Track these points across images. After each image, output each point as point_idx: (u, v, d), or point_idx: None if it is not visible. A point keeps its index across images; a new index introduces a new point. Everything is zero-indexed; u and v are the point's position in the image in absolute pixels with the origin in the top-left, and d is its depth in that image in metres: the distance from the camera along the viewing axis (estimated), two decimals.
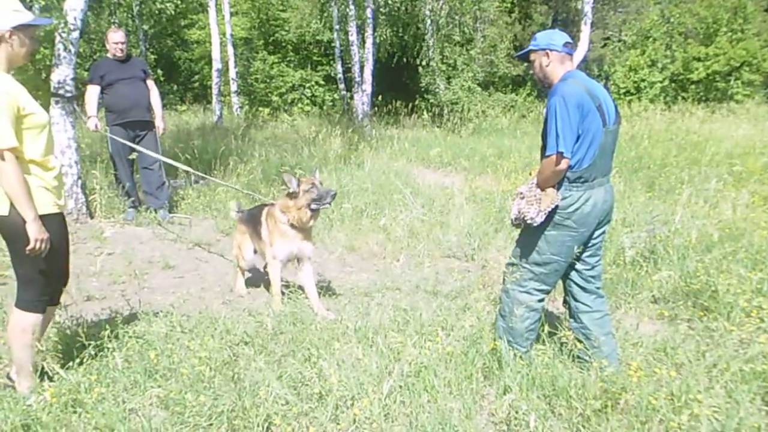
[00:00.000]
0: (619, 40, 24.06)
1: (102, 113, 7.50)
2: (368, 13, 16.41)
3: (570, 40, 3.59)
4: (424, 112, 17.53)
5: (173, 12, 12.59)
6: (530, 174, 3.63)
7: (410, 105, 17.74)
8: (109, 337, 3.68)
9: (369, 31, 16.52)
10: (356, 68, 16.94)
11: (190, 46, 22.42)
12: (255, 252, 5.30)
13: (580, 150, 3.37)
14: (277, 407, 3.15)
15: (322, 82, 21.62)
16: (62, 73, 6.89)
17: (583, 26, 15.75)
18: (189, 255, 6.41)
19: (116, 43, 7.17)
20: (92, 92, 7.13)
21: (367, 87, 16.68)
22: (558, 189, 3.44)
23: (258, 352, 3.82)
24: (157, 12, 12.95)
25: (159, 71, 19.84)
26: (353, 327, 4.04)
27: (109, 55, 7.33)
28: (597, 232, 3.62)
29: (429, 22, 18.75)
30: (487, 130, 16.16)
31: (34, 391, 3.27)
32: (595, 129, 3.36)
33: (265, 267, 5.27)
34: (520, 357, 3.58)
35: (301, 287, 4.99)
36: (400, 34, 20.08)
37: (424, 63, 18.99)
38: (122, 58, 7.24)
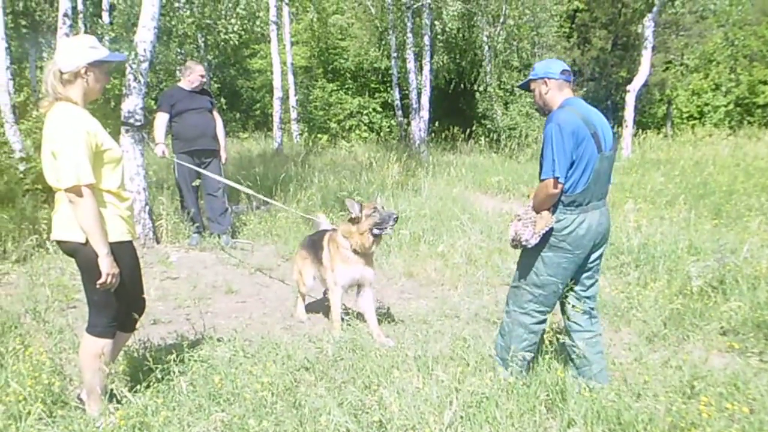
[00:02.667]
0: (682, 64, 23.60)
1: (168, 140, 7.75)
2: (426, 40, 16.57)
3: (567, 68, 3.74)
4: (482, 138, 17.50)
5: (237, 42, 12.97)
6: (528, 197, 3.71)
7: (467, 131, 17.75)
8: (174, 360, 3.74)
9: (426, 58, 16.66)
10: (413, 95, 17.07)
11: (252, 75, 23.04)
12: (315, 278, 5.36)
13: (574, 175, 3.51)
14: None
15: (380, 109, 21.85)
16: (132, 103, 7.15)
17: (644, 50, 15.59)
18: (251, 280, 6.52)
19: (202, 75, 7.50)
20: (161, 120, 7.39)
21: (425, 113, 16.78)
22: (553, 212, 3.57)
23: (319, 379, 3.84)
24: (222, 42, 13.38)
25: (222, 100, 20.41)
26: (413, 355, 4.03)
27: (182, 84, 7.57)
28: (594, 255, 3.72)
29: (486, 48, 18.80)
30: None
31: (103, 413, 3.32)
32: (590, 155, 3.50)
33: (325, 293, 5.31)
34: (517, 378, 3.59)
35: (359, 314, 5.01)
36: (458, 61, 20.18)
37: (481, 89, 19.02)
38: (197, 90, 7.50)
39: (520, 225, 3.59)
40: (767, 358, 4.33)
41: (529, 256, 3.70)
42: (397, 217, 4.84)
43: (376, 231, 4.73)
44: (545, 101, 3.74)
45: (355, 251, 4.81)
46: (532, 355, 3.78)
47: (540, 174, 3.57)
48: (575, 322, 3.81)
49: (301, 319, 5.44)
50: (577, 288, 3.78)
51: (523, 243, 3.56)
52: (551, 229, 3.53)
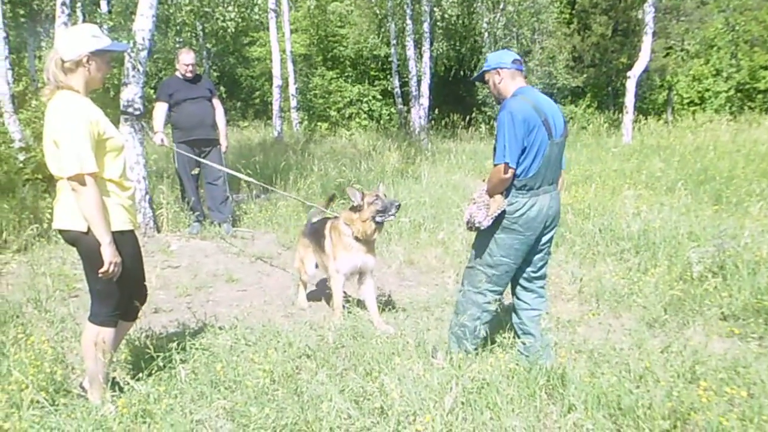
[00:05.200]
0: (682, 50, 23.45)
1: (168, 130, 7.74)
2: (425, 27, 16.50)
3: (518, 58, 3.90)
4: (482, 125, 17.45)
5: (234, 30, 12.91)
6: (483, 181, 3.92)
7: (467, 118, 17.69)
8: (176, 349, 3.75)
9: (426, 45, 16.59)
10: (413, 82, 17.01)
11: (251, 64, 22.94)
12: (317, 266, 5.36)
13: (526, 160, 3.64)
14: (339, 421, 3.18)
15: (380, 97, 21.80)
16: (131, 92, 7.12)
17: (644, 36, 15.52)
18: (252, 268, 6.53)
19: (187, 65, 7.41)
20: (160, 109, 7.37)
21: (424, 101, 16.73)
22: (506, 196, 3.72)
23: (320, 366, 3.86)
24: (221, 30, 13.33)
25: (222, 88, 20.36)
26: (413, 342, 4.04)
27: (178, 74, 7.57)
28: (545, 237, 3.89)
29: (486, 34, 18.70)
30: None
31: (105, 401, 3.34)
32: (541, 141, 3.64)
33: (327, 281, 5.32)
34: (465, 352, 3.83)
35: (360, 301, 5.02)
36: (457, 48, 20.11)
37: None
38: (191, 79, 7.47)
39: (474, 208, 3.74)
40: (767, 343, 4.34)
41: (483, 238, 3.85)
42: (400, 205, 4.89)
43: (378, 219, 4.73)
44: (499, 90, 3.88)
45: (357, 239, 4.81)
46: (485, 334, 3.94)
47: (493, 159, 3.70)
48: (523, 301, 4.01)
49: (303, 306, 5.45)
50: (527, 268, 3.93)
51: (477, 225, 3.71)
52: (504, 211, 3.69)
